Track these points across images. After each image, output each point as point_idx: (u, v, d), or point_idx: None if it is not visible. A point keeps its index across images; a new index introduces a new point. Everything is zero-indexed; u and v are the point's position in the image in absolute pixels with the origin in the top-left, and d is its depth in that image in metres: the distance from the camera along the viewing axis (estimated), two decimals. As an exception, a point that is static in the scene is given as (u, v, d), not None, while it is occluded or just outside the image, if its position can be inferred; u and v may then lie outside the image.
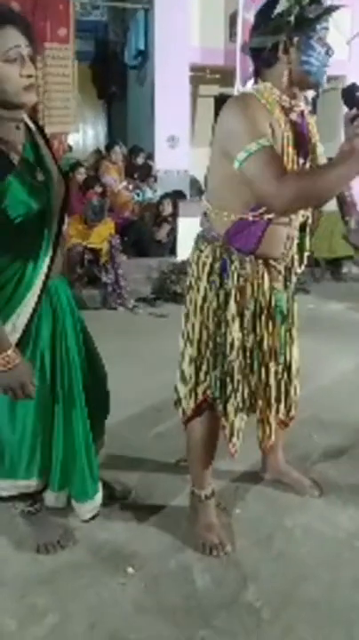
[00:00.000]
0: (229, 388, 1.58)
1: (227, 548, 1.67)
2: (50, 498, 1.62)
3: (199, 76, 6.82)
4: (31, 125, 1.43)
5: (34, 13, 5.47)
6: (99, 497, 1.62)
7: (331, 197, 1.45)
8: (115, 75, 7.60)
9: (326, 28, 1.41)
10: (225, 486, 1.98)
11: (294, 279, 1.68)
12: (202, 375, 1.61)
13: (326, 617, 1.45)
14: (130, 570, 1.60)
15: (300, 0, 1.36)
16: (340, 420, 2.51)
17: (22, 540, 1.69)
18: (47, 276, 1.43)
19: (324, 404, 2.60)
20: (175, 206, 5.48)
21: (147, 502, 1.91)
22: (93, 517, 1.62)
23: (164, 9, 5.98)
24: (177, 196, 5.80)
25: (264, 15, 1.42)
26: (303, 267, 1.66)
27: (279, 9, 1.37)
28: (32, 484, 1.57)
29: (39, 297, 1.42)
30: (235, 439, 1.63)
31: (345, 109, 1.45)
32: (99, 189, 5.25)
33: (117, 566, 1.61)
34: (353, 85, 1.41)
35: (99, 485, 1.62)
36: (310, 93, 1.59)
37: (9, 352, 1.32)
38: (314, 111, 1.64)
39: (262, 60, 1.45)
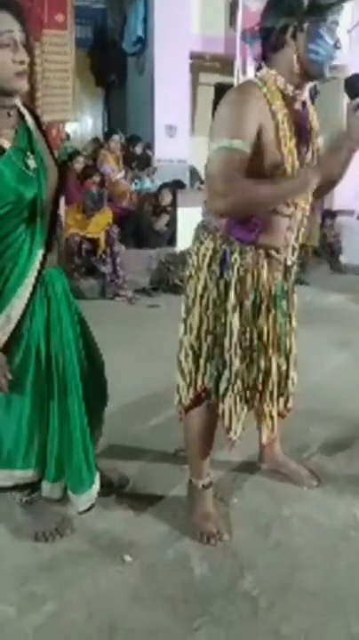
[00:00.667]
0: (228, 378, 1.58)
1: (225, 537, 1.68)
2: (45, 488, 1.62)
3: (199, 63, 6.75)
4: (24, 112, 1.41)
5: (31, 0, 5.40)
6: (95, 488, 1.62)
7: (338, 176, 1.55)
8: (113, 62, 7.51)
9: (336, 23, 1.40)
10: (223, 476, 1.99)
11: (294, 270, 1.67)
12: (201, 365, 1.61)
13: (323, 606, 1.46)
14: (128, 558, 1.61)
15: None
16: (337, 411, 2.52)
17: (20, 528, 1.70)
18: (41, 266, 1.42)
19: (322, 396, 2.60)
20: (174, 196, 5.45)
21: (145, 492, 1.92)
22: (89, 509, 1.62)
23: (164, -5, 5.91)
24: (176, 185, 5.77)
25: None
26: (295, 256, 1.64)
27: None
28: (29, 474, 1.57)
29: (34, 287, 1.41)
30: (233, 431, 1.63)
31: (345, 99, 1.45)
32: (97, 178, 5.22)
33: (115, 555, 1.62)
34: (356, 76, 1.42)
35: (96, 476, 1.62)
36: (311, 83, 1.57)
37: None
38: (313, 100, 1.63)
39: (270, 43, 1.44)
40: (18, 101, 1.36)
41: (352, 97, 1.42)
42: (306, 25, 1.37)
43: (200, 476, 1.76)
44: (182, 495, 1.84)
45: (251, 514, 1.82)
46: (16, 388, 1.46)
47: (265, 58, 1.47)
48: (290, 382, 1.76)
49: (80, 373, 1.55)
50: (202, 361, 1.61)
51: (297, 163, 1.45)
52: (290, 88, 1.44)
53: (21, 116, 1.39)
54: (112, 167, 5.76)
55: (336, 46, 1.41)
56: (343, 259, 6.00)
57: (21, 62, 1.24)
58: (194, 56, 6.37)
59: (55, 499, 1.65)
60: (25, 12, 1.27)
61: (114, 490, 1.87)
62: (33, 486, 1.63)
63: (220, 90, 6.95)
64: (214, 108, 1.51)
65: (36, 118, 1.44)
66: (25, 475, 1.56)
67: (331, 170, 1.47)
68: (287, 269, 1.64)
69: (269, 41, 1.44)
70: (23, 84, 1.28)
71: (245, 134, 1.36)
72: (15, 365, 1.45)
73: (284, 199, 1.45)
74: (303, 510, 1.83)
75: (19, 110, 1.38)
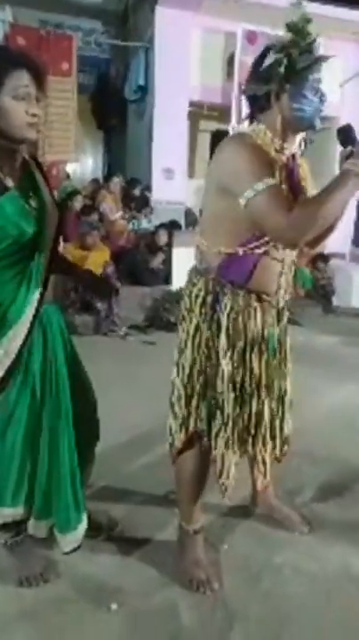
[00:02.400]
0: (219, 421, 1.58)
1: (215, 586, 1.63)
2: (30, 525, 1.58)
3: (198, 112, 7.03)
4: (28, 158, 1.48)
5: (38, 48, 5.67)
6: (82, 528, 1.58)
7: (335, 219, 1.52)
8: (115, 107, 7.81)
9: (318, 80, 1.46)
10: (213, 520, 1.95)
11: (286, 313, 1.69)
12: (192, 407, 1.61)
13: (314, 660, 1.41)
14: (114, 606, 1.55)
15: (289, 52, 1.42)
16: (330, 454, 2.50)
17: (4, 572, 1.65)
18: (40, 302, 1.45)
19: (315, 438, 2.59)
20: (170, 236, 5.56)
21: (134, 535, 1.87)
22: (74, 550, 1.58)
23: (165, 48, 6.21)
24: (172, 226, 5.89)
25: (257, 65, 1.49)
26: (288, 296, 1.66)
27: (268, 61, 1.44)
28: (19, 512, 1.54)
29: (31, 323, 1.43)
30: (225, 475, 1.61)
31: (338, 148, 1.51)
32: (95, 217, 5.33)
33: (101, 602, 1.57)
34: (348, 126, 1.49)
35: (84, 517, 1.59)
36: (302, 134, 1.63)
37: None
38: (305, 146, 1.67)
39: (257, 105, 1.51)
40: (24, 150, 1.43)
41: (344, 145, 1.49)
42: (287, 87, 1.44)
43: (190, 521, 1.73)
44: (172, 539, 1.80)
45: (242, 561, 1.77)
46: (10, 422, 1.46)
47: (253, 116, 1.54)
48: (285, 426, 1.75)
49: (73, 411, 1.55)
50: (194, 403, 1.60)
51: None
52: (277, 142, 1.49)
53: (26, 161, 1.46)
54: (110, 207, 5.89)
55: (321, 100, 1.47)
56: (335, 301, 6.07)
57: (34, 115, 1.34)
58: (193, 105, 6.64)
59: (40, 537, 1.60)
60: (43, 73, 1.36)
61: (102, 533, 1.83)
62: (20, 527, 1.59)
63: (217, 136, 7.23)
64: (212, 153, 1.56)
65: (39, 165, 1.51)
66: (14, 512, 1.53)
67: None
68: (279, 312, 1.66)
69: (255, 105, 1.52)
70: (33, 135, 1.37)
71: (267, 170, 1.41)
72: (11, 400, 1.45)
73: (346, 198, 1.39)
74: (295, 558, 1.79)
75: (24, 157, 1.44)
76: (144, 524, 1.93)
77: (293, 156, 1.55)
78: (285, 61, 1.41)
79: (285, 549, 1.83)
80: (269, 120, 1.49)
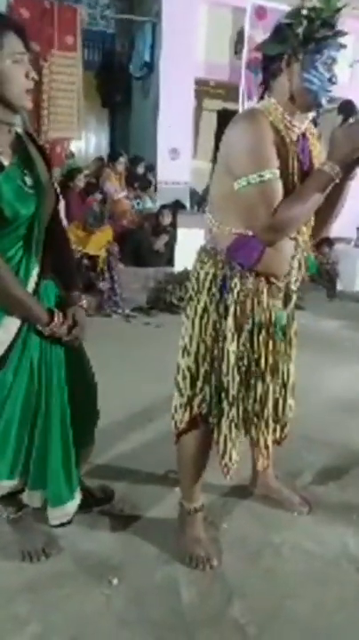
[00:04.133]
0: (224, 403, 1.57)
1: (214, 562, 1.66)
2: (25, 495, 1.59)
3: (203, 90, 6.90)
4: (21, 133, 1.44)
5: (42, 20, 5.54)
6: (72, 505, 1.58)
7: (339, 206, 1.58)
8: (120, 84, 7.66)
9: (333, 59, 1.41)
10: (213, 500, 1.97)
11: (294, 297, 1.67)
12: (197, 388, 1.60)
13: (312, 636, 1.44)
14: (114, 581, 1.58)
15: (311, 17, 1.37)
16: (331, 437, 2.51)
17: (7, 547, 1.67)
18: (38, 282, 1.44)
19: (315, 422, 2.60)
20: (174, 217, 5.50)
21: (134, 513, 1.89)
22: (63, 525, 1.58)
23: (171, 23, 6.05)
24: (176, 206, 5.83)
25: (277, 26, 1.44)
26: (298, 283, 1.65)
27: (288, 19, 1.40)
28: (15, 484, 1.55)
29: None
30: (227, 457, 1.61)
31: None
32: (99, 196, 5.27)
33: (102, 577, 1.59)
34: (349, 101, 1.47)
35: (76, 495, 1.60)
36: (311, 115, 1.59)
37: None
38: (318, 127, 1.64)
39: (268, 70, 1.47)
40: (18, 121, 1.39)
41: (345, 118, 1.46)
42: (301, 55, 1.40)
43: (191, 500, 1.74)
44: (172, 517, 1.82)
45: (241, 539, 1.80)
46: (8, 396, 1.46)
47: (266, 85, 1.50)
48: (287, 409, 1.75)
49: (70, 389, 1.55)
50: (199, 384, 1.60)
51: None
52: (288, 118, 1.45)
53: (19, 137, 1.42)
54: (115, 186, 5.82)
55: (331, 80, 1.42)
56: (339, 285, 6.04)
57: (32, 78, 1.30)
58: (199, 82, 6.50)
59: (34, 507, 1.61)
60: (28, 37, 1.31)
61: (100, 503, 1.85)
62: (20, 501, 1.61)
63: (224, 116, 7.10)
64: (218, 134, 1.53)
65: (34, 140, 1.47)
66: (12, 484, 1.54)
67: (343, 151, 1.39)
68: (287, 296, 1.64)
69: (267, 68, 1.48)
70: (29, 103, 1.33)
71: (270, 162, 1.39)
72: (8, 380, 1.45)
73: (323, 190, 1.41)
74: (294, 538, 1.81)
75: (17, 132, 1.41)
76: (144, 502, 1.95)
77: (303, 134, 1.51)
78: (305, 23, 1.36)
79: (284, 529, 1.85)
80: (279, 89, 1.45)
